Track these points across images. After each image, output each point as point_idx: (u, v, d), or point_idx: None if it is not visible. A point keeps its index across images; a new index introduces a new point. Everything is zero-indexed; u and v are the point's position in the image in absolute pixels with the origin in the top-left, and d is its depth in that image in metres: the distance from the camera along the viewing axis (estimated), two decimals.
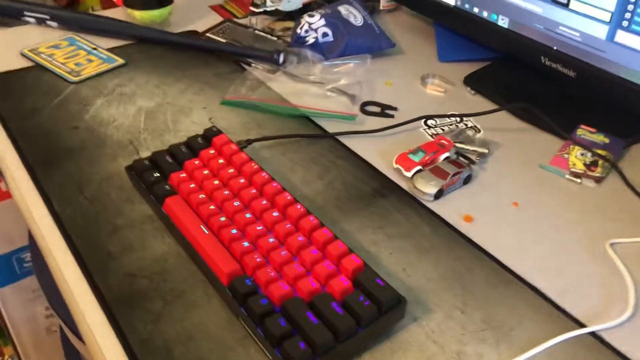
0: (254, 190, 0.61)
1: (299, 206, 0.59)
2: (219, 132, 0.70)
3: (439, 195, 0.67)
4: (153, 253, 0.59)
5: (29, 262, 1.09)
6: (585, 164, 0.72)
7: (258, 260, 0.54)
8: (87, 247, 0.59)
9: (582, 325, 0.53)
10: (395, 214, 0.64)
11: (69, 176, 0.68)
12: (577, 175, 0.71)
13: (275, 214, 0.59)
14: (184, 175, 0.64)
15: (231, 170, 0.64)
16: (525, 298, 0.55)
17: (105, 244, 0.60)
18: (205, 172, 0.64)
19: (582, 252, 0.61)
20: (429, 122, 0.80)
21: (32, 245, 0.97)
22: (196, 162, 0.65)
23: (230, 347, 0.50)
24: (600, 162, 0.72)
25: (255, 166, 0.64)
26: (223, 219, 0.58)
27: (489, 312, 0.54)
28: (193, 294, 0.55)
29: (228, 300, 0.52)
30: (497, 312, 0.54)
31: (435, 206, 0.66)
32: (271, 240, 0.56)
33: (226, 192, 0.61)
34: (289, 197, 0.60)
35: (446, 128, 0.79)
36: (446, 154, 0.71)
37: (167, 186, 0.62)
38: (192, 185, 0.62)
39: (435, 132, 0.78)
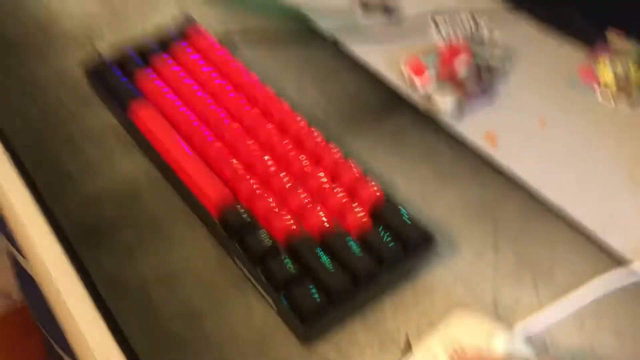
0: (239, 96, 0.51)
1: (299, 119, 0.49)
2: (193, 21, 0.57)
3: (458, 111, 0.57)
4: (121, 173, 0.48)
5: None
6: (617, 79, 0.63)
7: (255, 186, 0.44)
8: (38, 164, 0.48)
9: (627, 263, 0.46)
10: (408, 132, 0.55)
11: (11, 76, 0.55)
12: (608, 95, 0.63)
13: (269, 126, 0.48)
14: (153, 74, 0.52)
15: (209, 69, 0.52)
16: (563, 232, 0.48)
17: (60, 161, 0.48)
18: (178, 69, 0.52)
19: (622, 180, 0.53)
20: (437, 19, 0.69)
21: None
22: (167, 58, 0.53)
23: (222, 291, 0.41)
24: (634, 75, 0.63)
25: (240, 65, 0.53)
26: (207, 133, 0.47)
27: (524, 249, 0.46)
28: (174, 225, 0.45)
29: (219, 236, 0.43)
30: (533, 249, 0.46)
31: (453, 124, 0.57)
32: (268, 161, 0.46)
33: (207, 98, 0.50)
34: (285, 107, 0.50)
35: (458, 30, 0.69)
36: (463, 61, 0.61)
37: (132, 88, 0.51)
38: (164, 88, 0.51)
39: (446, 35, 0.68)
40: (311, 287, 0.38)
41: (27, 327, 1.17)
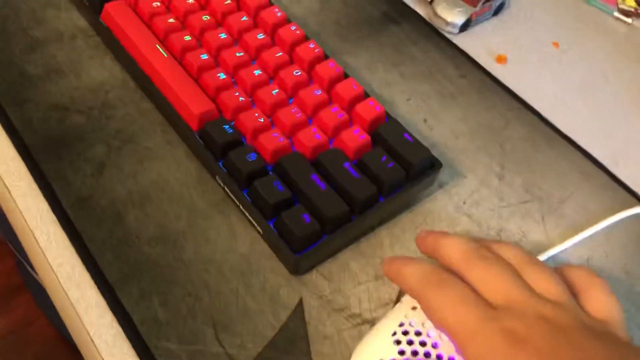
0: (229, 0, 0.45)
1: (293, 27, 0.44)
2: None
3: (465, 26, 0.52)
4: (90, 80, 0.43)
5: None
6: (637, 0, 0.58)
7: (241, 99, 0.39)
8: None
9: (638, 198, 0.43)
10: (411, 47, 0.50)
11: None
12: (626, 13, 0.58)
13: (260, 35, 0.43)
14: None
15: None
16: (573, 162, 0.44)
17: (20, 63, 0.43)
18: None
19: (637, 110, 0.49)
20: None
21: None
22: None
23: (202, 214, 0.37)
24: None
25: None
26: (188, 38, 0.42)
27: (532, 179, 0.42)
28: (148, 139, 0.40)
29: (199, 152, 0.38)
30: (542, 179, 0.43)
31: (460, 40, 0.52)
32: (257, 72, 0.41)
33: (191, 1, 0.44)
34: (278, 14, 0.44)
35: None
36: None
37: None
38: None
39: None
40: (303, 212, 0.34)
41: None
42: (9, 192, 0.37)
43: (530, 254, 0.30)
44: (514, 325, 0.24)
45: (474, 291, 0.26)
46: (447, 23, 0.52)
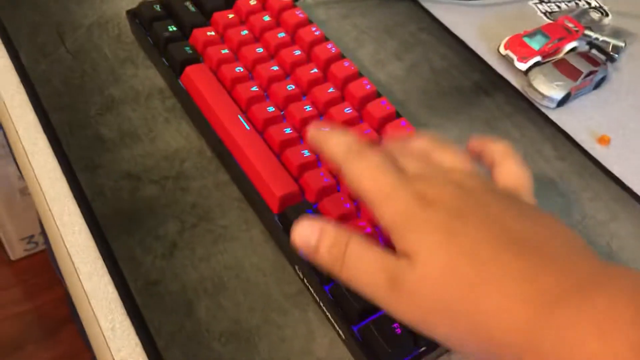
0: (315, 70, 0.42)
1: (383, 102, 0.41)
2: None
3: (563, 101, 0.48)
4: (164, 146, 0.40)
5: None
6: None
7: (326, 180, 0.36)
8: (67, 124, 0.41)
9: None
10: (504, 121, 0.46)
11: (45, 16, 0.47)
12: None
13: (347, 110, 0.40)
14: (213, 33, 0.44)
15: (282, 35, 0.44)
16: None
17: (96, 125, 0.41)
18: (244, 32, 0.44)
19: None
20: None
21: None
22: (230, 16, 0.45)
23: (278, 306, 0.34)
24: None
25: (318, 32, 0.44)
26: (271, 109, 0.39)
27: None
28: (224, 216, 0.37)
29: (277, 236, 0.35)
30: None
31: (557, 115, 0.47)
32: None
33: (275, 68, 0.42)
34: (368, 87, 0.41)
35: (563, 6, 0.59)
36: (574, 44, 0.51)
37: (187, 47, 0.42)
38: (225, 51, 0.42)
39: (549, 10, 0.58)
40: (393, 320, 0.31)
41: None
42: (76, 271, 0.34)
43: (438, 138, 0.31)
44: (425, 189, 0.25)
45: (391, 160, 0.27)
46: (544, 97, 0.48)
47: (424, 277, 0.24)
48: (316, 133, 0.31)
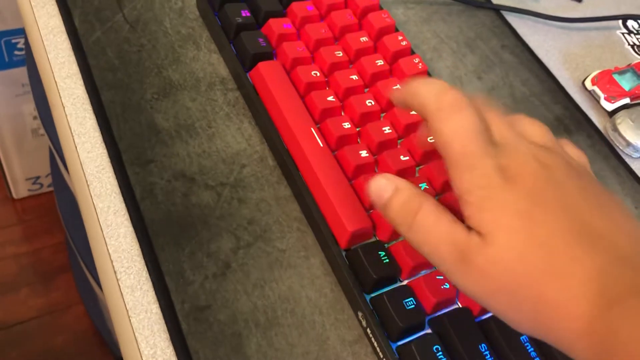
0: (398, 87, 0.38)
1: None
2: None
3: None
4: (224, 146, 0.37)
5: (21, 51, 0.85)
6: None
7: None
8: (120, 105, 0.37)
9: None
10: None
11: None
12: None
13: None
14: (290, 25, 0.39)
15: (364, 39, 0.40)
16: None
17: (151, 110, 0.37)
18: (323, 30, 0.40)
19: None
20: (630, 23, 0.55)
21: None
22: (309, 8, 0.41)
23: (334, 354, 0.31)
24: None
25: (404, 42, 0.40)
26: (347, 125, 0.35)
27: None
28: (282, 238, 0.34)
29: (340, 273, 0.32)
30: None
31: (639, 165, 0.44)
32: (423, 186, 0.34)
33: (354, 77, 0.38)
34: None
35: None
36: None
37: (260, 39, 0.38)
38: (301, 49, 0.38)
39: (637, 42, 0.53)
40: None
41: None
42: (118, 281, 0.31)
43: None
44: (509, 163, 0.25)
45: (484, 123, 0.26)
46: (628, 144, 0.44)
47: (495, 260, 0.24)
48: (406, 85, 0.29)
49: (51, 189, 1.11)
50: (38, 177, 1.08)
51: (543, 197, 0.24)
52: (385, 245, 0.32)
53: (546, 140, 0.28)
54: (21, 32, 0.84)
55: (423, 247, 0.26)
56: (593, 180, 0.27)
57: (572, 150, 0.29)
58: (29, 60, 0.81)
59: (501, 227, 0.24)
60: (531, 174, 0.25)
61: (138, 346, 0.29)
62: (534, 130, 0.28)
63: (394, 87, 0.29)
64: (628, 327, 0.22)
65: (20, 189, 1.08)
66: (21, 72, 0.88)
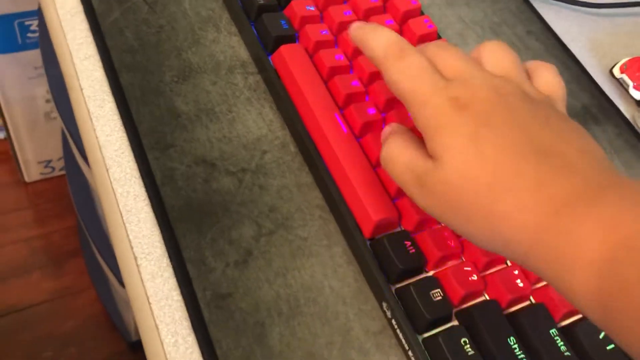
0: None
1: None
2: None
3: None
4: (245, 132, 0.36)
5: (35, 33, 0.84)
6: None
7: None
8: (139, 88, 0.36)
9: None
10: (611, 157, 0.41)
11: None
12: None
13: None
14: (313, 7, 0.38)
15: (390, 22, 0.39)
16: None
17: (170, 94, 0.36)
18: (347, 13, 0.39)
19: None
20: None
21: (43, 16, 0.72)
22: None
23: (358, 345, 0.30)
24: None
25: (431, 27, 0.39)
26: (372, 111, 0.35)
27: None
28: (304, 226, 0.33)
29: (364, 262, 0.31)
30: None
31: None
32: None
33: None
34: None
35: None
36: None
37: (283, 21, 0.37)
38: (325, 32, 0.37)
39: None
40: None
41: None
42: (138, 267, 0.30)
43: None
44: (460, 93, 0.26)
45: (431, 64, 0.28)
46: None
47: (445, 180, 0.25)
48: (358, 29, 0.30)
49: (63, 172, 1.11)
50: (50, 161, 1.07)
51: (491, 119, 0.25)
52: (411, 235, 0.31)
53: (508, 70, 0.28)
54: (34, 14, 0.84)
55: (395, 178, 0.28)
56: (549, 107, 0.27)
57: (546, 78, 0.29)
58: (42, 42, 0.80)
59: (450, 150, 0.25)
60: (482, 100, 0.26)
61: (159, 334, 0.29)
62: (497, 60, 0.28)
63: (352, 26, 0.30)
64: (577, 233, 0.22)
65: (32, 173, 1.08)
66: (34, 55, 0.87)
